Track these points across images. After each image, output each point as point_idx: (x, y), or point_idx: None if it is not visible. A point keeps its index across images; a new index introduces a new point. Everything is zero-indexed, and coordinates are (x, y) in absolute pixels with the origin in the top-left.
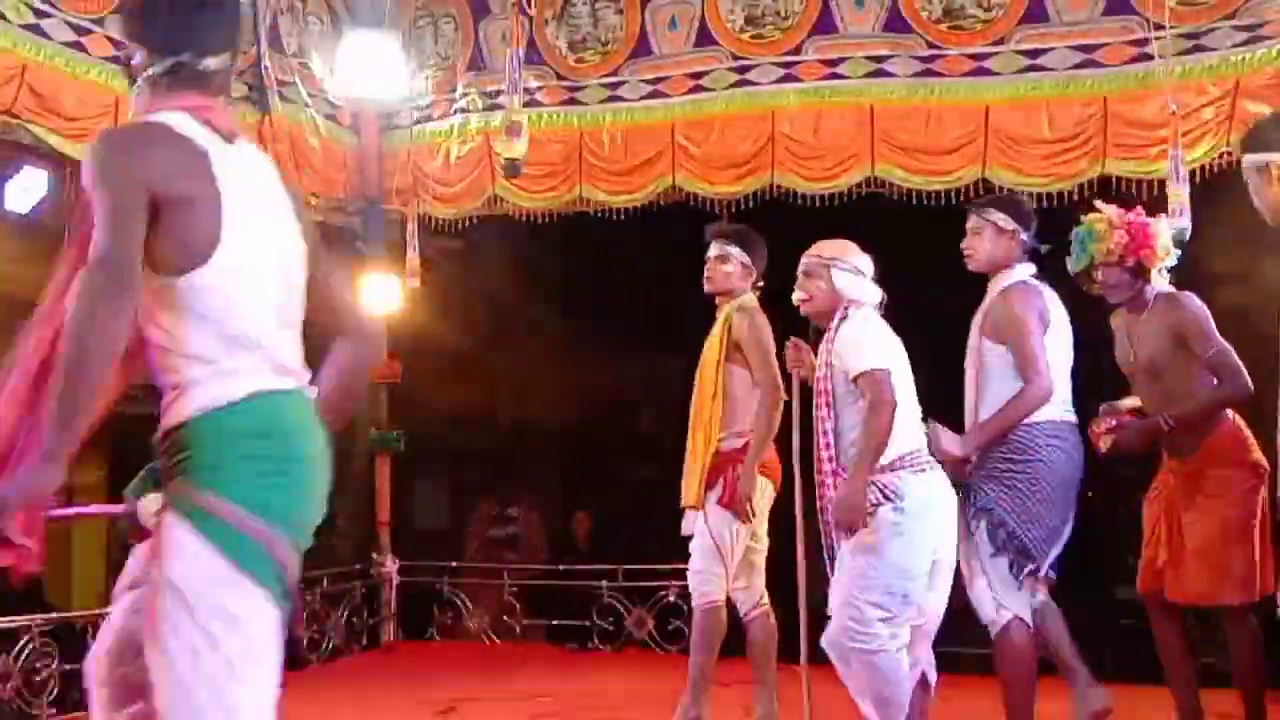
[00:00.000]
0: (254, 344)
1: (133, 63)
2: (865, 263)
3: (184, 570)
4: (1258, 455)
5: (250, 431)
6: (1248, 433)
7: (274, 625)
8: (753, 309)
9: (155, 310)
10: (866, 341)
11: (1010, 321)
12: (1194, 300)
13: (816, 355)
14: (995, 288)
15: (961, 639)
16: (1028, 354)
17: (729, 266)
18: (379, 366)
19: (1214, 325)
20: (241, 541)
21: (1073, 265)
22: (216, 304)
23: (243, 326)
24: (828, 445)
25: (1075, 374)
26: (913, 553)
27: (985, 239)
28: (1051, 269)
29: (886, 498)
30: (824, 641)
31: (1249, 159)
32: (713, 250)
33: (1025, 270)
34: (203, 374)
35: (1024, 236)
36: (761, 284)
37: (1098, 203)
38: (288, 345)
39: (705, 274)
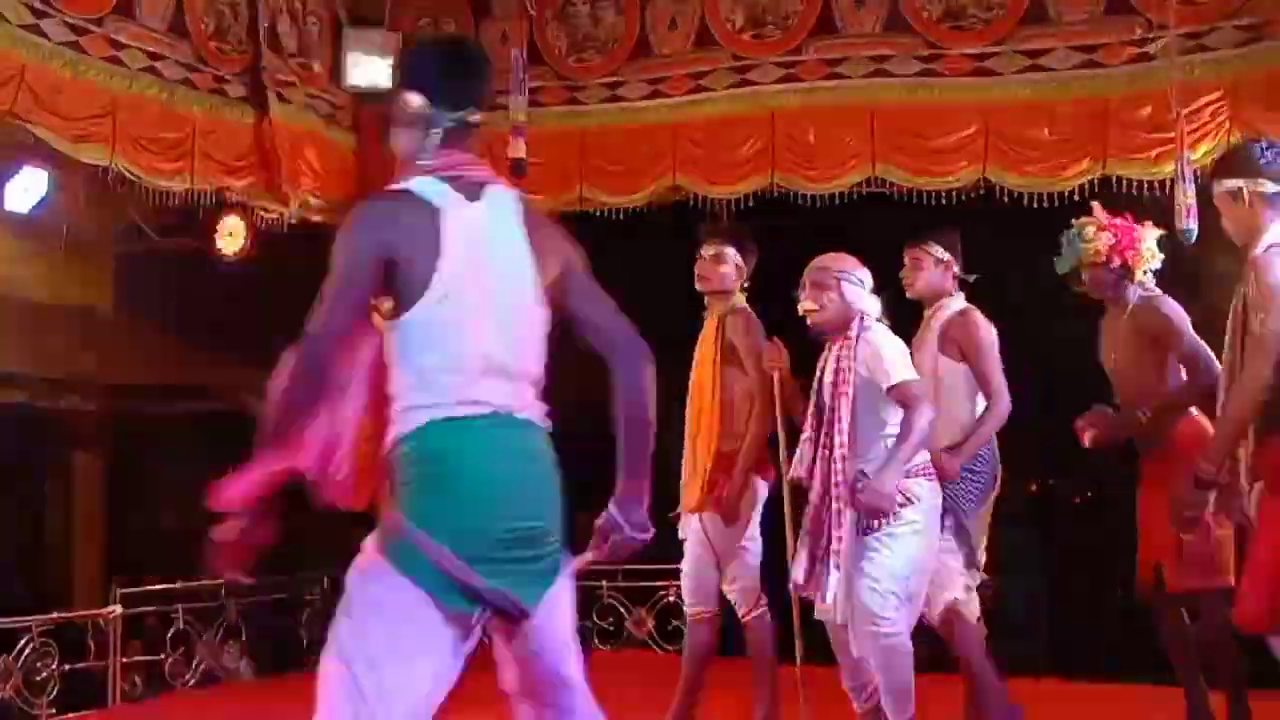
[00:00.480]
0: (439, 384)
1: (411, 110)
2: (867, 276)
3: (357, 567)
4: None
5: (422, 457)
6: (1211, 430)
7: (430, 627)
8: (746, 311)
9: (387, 352)
10: (898, 353)
11: (975, 344)
12: (1171, 303)
13: (821, 360)
14: (942, 314)
15: None
16: (989, 374)
17: (726, 267)
18: (645, 377)
19: (1189, 325)
20: (402, 549)
21: (1061, 266)
22: (411, 347)
23: (431, 366)
24: (843, 447)
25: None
26: (928, 551)
27: (925, 270)
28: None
29: (909, 500)
30: (855, 649)
31: (1220, 185)
32: (707, 250)
33: (961, 298)
34: (398, 409)
35: (956, 268)
36: (749, 283)
37: (1094, 204)
38: (491, 383)
39: (698, 273)
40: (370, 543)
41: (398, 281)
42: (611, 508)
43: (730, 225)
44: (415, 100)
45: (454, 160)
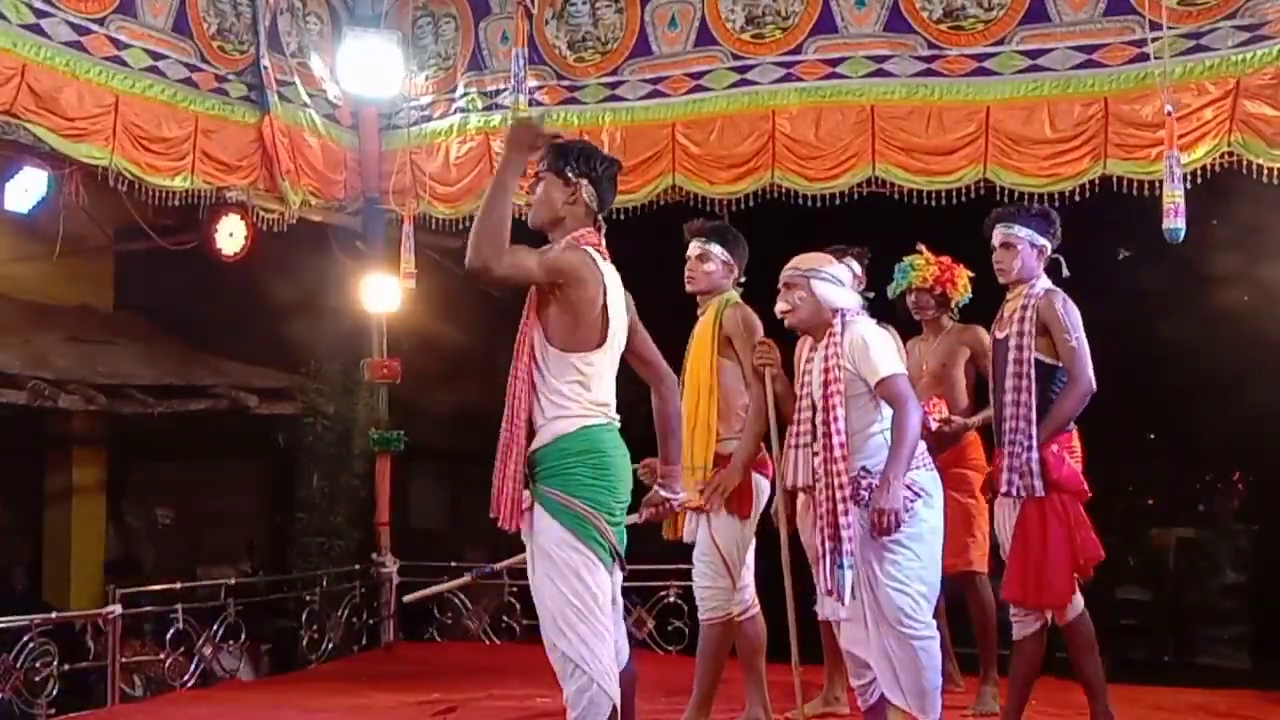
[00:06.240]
0: (591, 398)
1: (584, 197)
2: (843, 272)
3: (543, 536)
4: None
5: (577, 451)
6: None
7: (600, 574)
8: (744, 307)
9: (544, 369)
10: (881, 347)
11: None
12: (982, 330)
13: (799, 359)
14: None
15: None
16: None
17: (710, 265)
18: (677, 402)
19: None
20: (572, 517)
21: (892, 290)
22: (580, 376)
23: (589, 388)
24: (842, 445)
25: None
26: (940, 543)
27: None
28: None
29: (917, 494)
30: (876, 649)
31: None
32: (692, 249)
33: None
34: (555, 414)
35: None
36: (744, 280)
37: (920, 246)
38: (611, 395)
39: (686, 274)
40: (544, 514)
41: (580, 325)
42: (659, 486)
43: (716, 222)
44: (590, 191)
45: (596, 239)
